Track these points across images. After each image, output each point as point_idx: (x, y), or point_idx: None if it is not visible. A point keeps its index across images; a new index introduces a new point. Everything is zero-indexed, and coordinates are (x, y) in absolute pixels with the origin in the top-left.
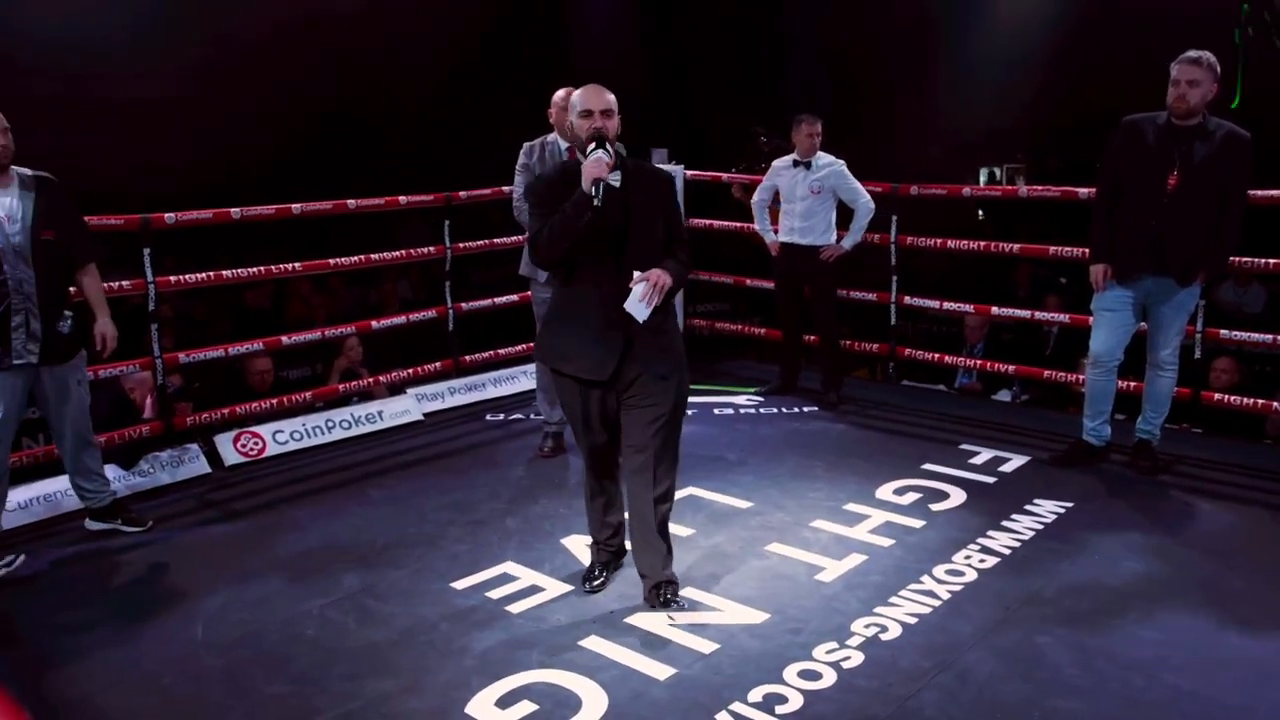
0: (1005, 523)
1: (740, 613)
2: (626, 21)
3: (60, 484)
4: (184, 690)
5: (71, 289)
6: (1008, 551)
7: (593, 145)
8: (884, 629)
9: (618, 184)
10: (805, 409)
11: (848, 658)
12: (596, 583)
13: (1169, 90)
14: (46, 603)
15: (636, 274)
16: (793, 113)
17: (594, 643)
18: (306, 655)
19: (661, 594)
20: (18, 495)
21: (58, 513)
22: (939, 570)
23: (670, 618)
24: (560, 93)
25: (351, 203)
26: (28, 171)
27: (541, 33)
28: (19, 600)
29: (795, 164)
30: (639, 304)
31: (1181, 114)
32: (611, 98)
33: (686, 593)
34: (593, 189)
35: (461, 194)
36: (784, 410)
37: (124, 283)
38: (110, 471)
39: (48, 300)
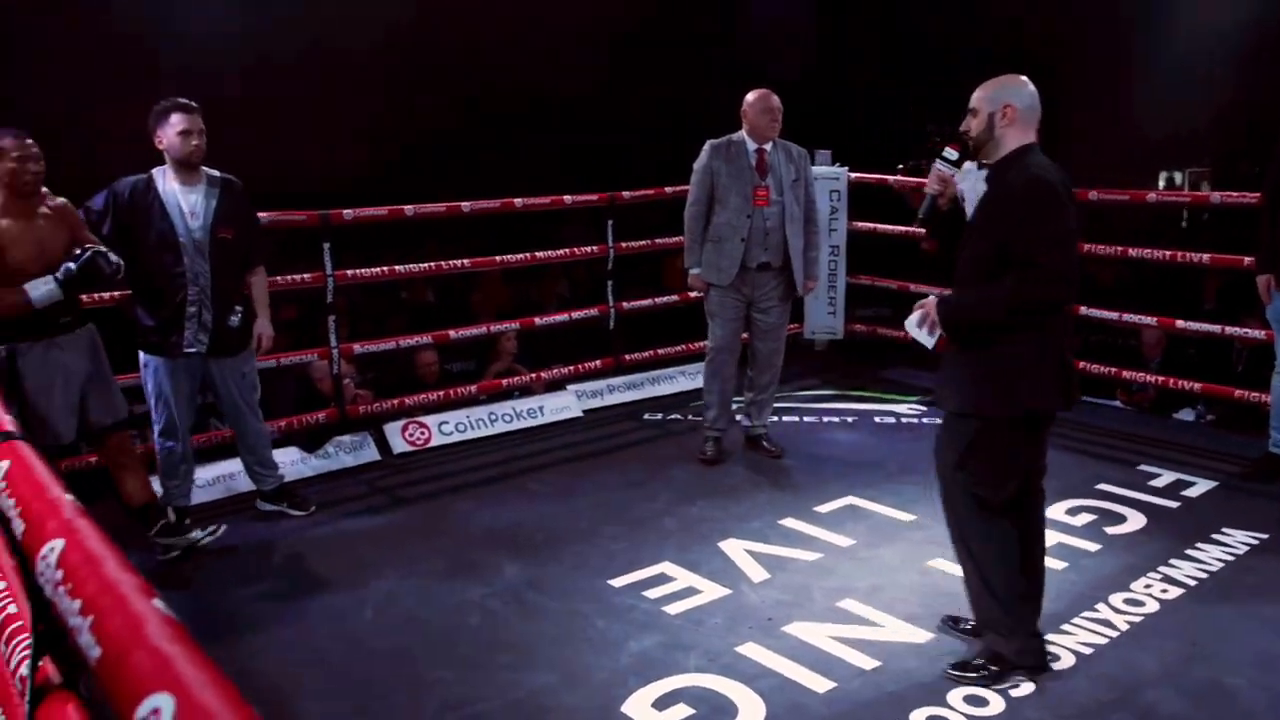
0: (1190, 551)
1: (903, 630)
2: (793, 16)
3: (235, 465)
4: (353, 669)
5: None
6: (1193, 583)
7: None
8: (1056, 657)
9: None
10: None
11: (1016, 685)
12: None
13: None
14: (225, 577)
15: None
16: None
17: (751, 649)
18: (469, 643)
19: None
20: (204, 474)
21: (233, 493)
22: (1116, 598)
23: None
24: (752, 94)
25: (518, 201)
26: (215, 172)
27: (705, 30)
28: (200, 573)
29: (980, 165)
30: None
31: None
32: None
33: (846, 605)
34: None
35: (625, 194)
36: None
37: (305, 275)
38: (294, 454)
39: (220, 295)
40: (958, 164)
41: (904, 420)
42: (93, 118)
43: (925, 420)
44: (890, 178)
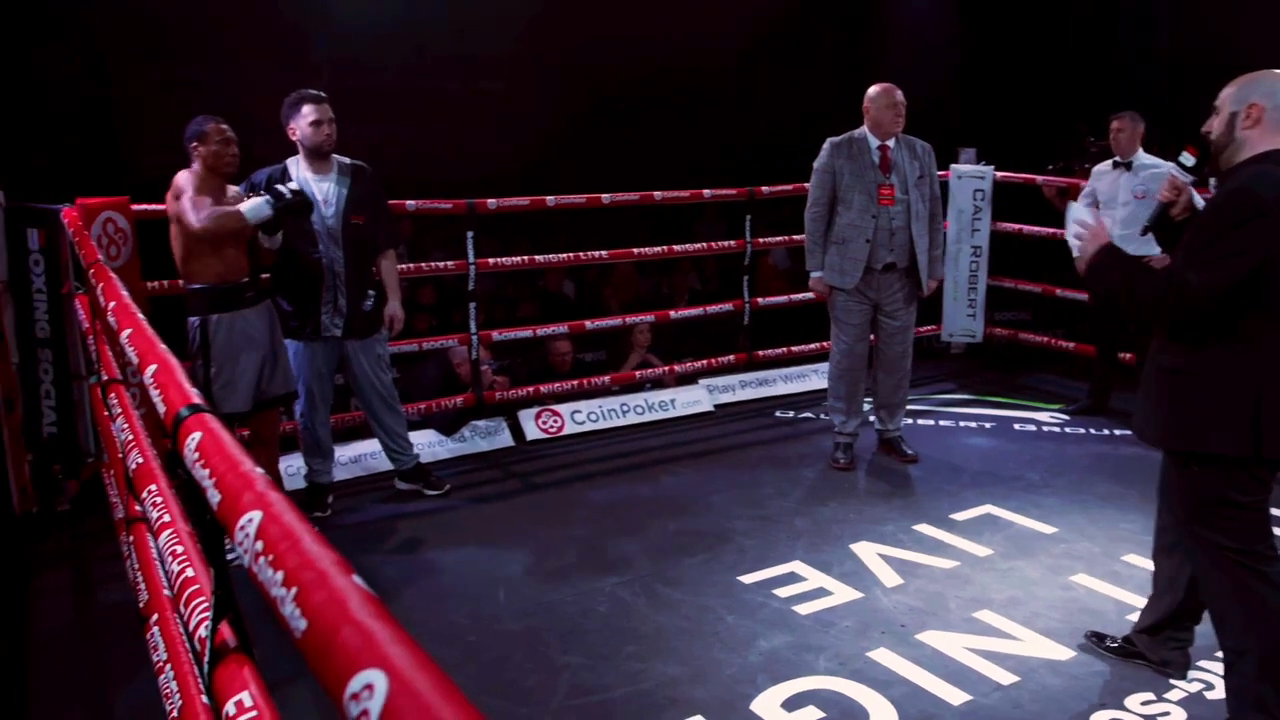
0: None
1: (1043, 645)
2: (938, 10)
3: (374, 445)
4: (489, 649)
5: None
6: None
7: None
8: (1210, 686)
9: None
10: (1117, 432)
11: (1167, 714)
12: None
13: None
14: (361, 553)
15: None
16: (1122, 109)
17: (883, 655)
18: (599, 630)
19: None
20: (344, 453)
21: (372, 472)
22: None
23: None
24: (875, 88)
25: (658, 194)
26: (346, 160)
27: (847, 19)
28: (341, 547)
29: (1115, 165)
30: None
31: None
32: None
33: (982, 616)
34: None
35: (764, 189)
36: (1092, 431)
37: (448, 263)
38: (431, 436)
39: (354, 279)
40: (1196, 170)
41: (1045, 429)
42: (251, 110)
43: (1068, 429)
44: (1038, 177)
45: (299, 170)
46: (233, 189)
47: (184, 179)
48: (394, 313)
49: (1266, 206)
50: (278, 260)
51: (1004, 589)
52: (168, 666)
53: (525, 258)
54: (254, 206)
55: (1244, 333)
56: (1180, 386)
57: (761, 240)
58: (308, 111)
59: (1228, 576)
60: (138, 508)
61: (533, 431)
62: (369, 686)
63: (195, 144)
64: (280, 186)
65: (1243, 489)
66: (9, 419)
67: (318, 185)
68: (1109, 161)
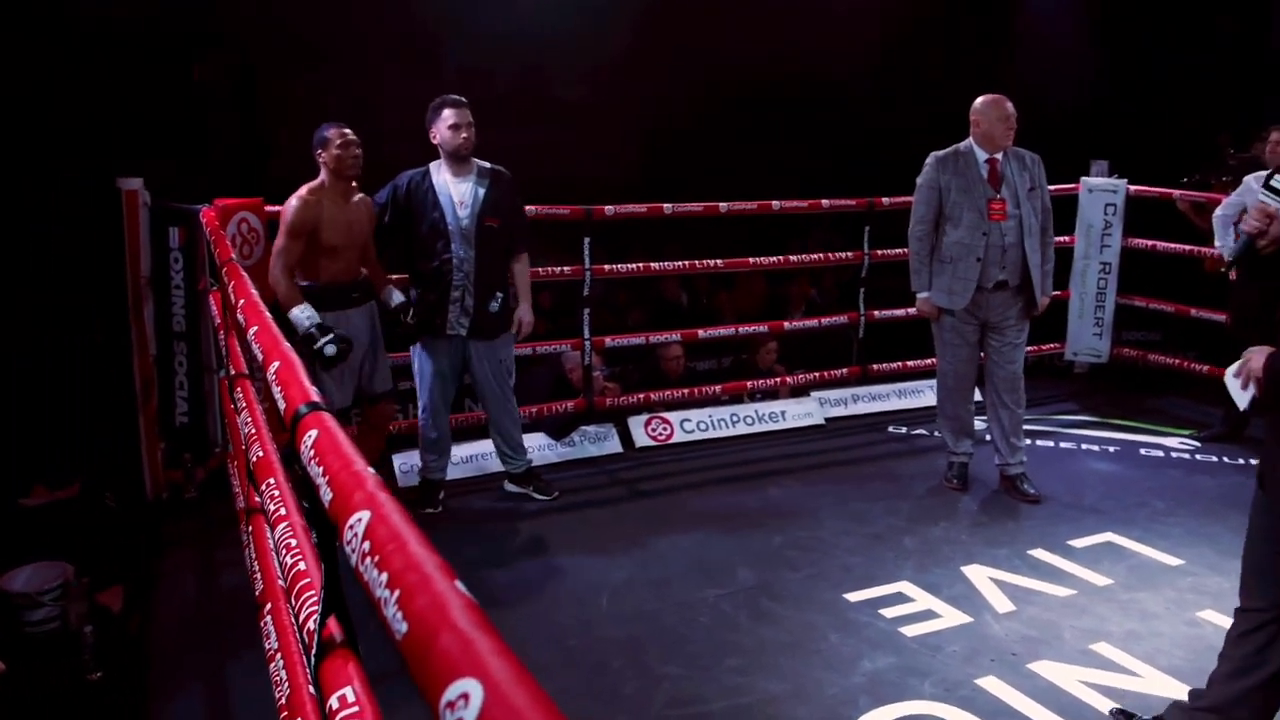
0: None
1: (1164, 684)
2: (1072, 15)
3: (487, 446)
4: (588, 653)
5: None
6: None
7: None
8: None
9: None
10: (1251, 461)
11: None
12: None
13: None
14: (469, 554)
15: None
16: (1271, 122)
17: (992, 684)
18: (700, 642)
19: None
20: (458, 451)
21: (484, 472)
22: None
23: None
24: (984, 100)
25: (776, 204)
26: (486, 164)
27: (979, 28)
28: (448, 546)
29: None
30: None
31: None
32: None
33: (1099, 648)
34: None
35: (884, 200)
36: (1225, 460)
37: (565, 268)
38: (541, 439)
39: (483, 280)
40: None
41: (1173, 455)
42: (386, 115)
43: (1199, 457)
44: (1175, 192)
45: (439, 173)
46: (360, 197)
47: (288, 212)
48: (524, 316)
49: None
50: (412, 258)
51: (1124, 621)
52: (278, 655)
53: (641, 264)
54: (296, 317)
55: None
56: None
57: (881, 251)
58: (447, 115)
59: None
60: (257, 499)
61: (642, 439)
62: (465, 696)
63: (320, 150)
64: (320, 339)
65: None
66: (145, 408)
67: (456, 187)
68: (1264, 174)
